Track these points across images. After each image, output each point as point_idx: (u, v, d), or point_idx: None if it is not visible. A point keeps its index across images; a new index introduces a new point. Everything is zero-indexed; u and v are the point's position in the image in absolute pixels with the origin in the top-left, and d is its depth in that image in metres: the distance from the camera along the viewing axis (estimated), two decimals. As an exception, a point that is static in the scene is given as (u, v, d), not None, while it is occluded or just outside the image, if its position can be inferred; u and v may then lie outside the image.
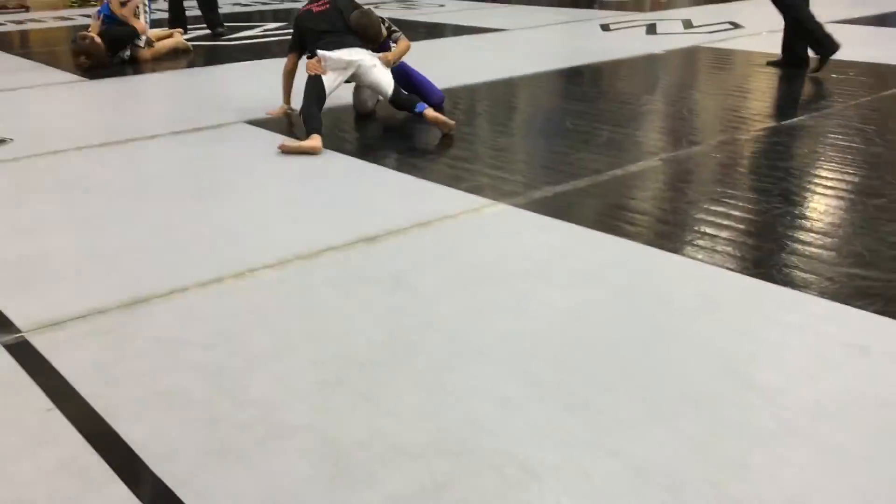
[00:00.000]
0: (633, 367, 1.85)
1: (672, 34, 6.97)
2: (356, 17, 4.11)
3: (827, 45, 5.14)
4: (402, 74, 4.36)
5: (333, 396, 1.75)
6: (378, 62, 4.05)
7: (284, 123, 4.22)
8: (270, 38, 7.42)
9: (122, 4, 5.98)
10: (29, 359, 1.93)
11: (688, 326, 2.04)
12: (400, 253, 2.56)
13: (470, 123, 4.34)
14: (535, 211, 2.87)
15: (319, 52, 4.02)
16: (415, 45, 6.75)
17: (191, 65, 6.12)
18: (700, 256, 2.48)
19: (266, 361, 1.91)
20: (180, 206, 3.02)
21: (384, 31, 4.20)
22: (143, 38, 6.08)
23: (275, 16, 9.28)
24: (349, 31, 4.08)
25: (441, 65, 5.91)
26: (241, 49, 6.84)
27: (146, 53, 6.08)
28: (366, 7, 4.21)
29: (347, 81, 4.09)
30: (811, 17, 5.17)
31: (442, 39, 7.33)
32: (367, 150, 3.83)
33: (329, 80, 3.97)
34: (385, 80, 4.04)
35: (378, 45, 4.18)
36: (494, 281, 2.33)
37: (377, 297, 2.24)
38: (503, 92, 5.11)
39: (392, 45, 4.25)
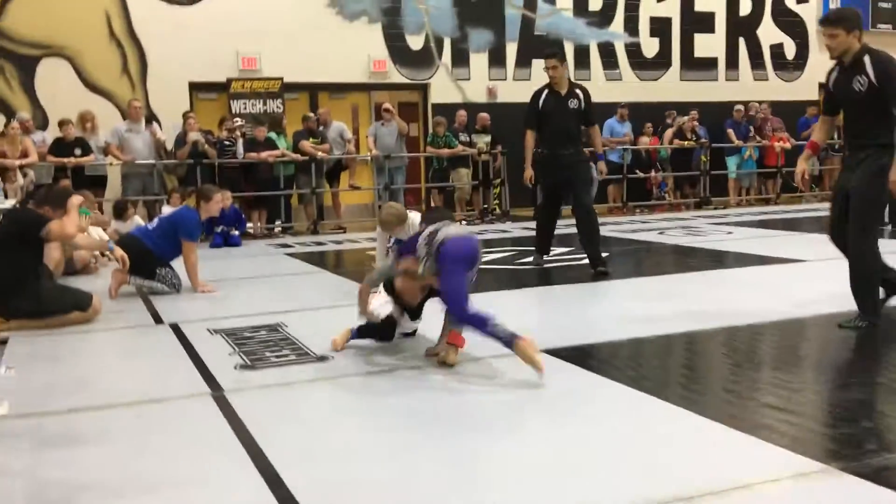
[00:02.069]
0: None
1: None
2: None
3: None
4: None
5: None
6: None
7: (578, 355, 4.21)
8: (558, 265, 7.66)
9: None
10: None
11: None
12: (722, 520, 2.33)
13: (778, 367, 4.06)
14: (880, 483, 2.51)
15: None
16: (697, 275, 6.74)
17: (481, 289, 6.44)
18: None
19: None
20: (477, 440, 3.04)
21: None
22: None
23: (561, 240, 9.66)
24: None
25: (725, 297, 5.72)
26: (533, 273, 7.11)
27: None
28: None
29: None
30: None
31: (728, 270, 7.14)
32: (643, 379, 3.70)
33: None
34: None
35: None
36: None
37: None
38: (801, 332, 4.76)
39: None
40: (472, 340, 4.10)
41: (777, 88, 15.85)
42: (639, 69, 14.89)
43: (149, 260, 6.30)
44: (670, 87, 14.88)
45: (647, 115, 13.70)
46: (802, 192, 13.83)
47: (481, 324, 3.78)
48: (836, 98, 4.72)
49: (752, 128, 14.15)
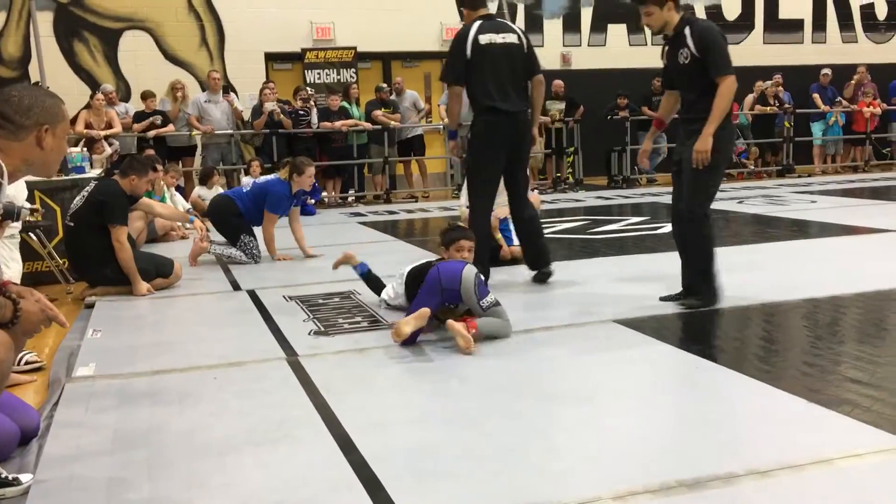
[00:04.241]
0: None
1: None
2: None
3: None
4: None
5: None
6: None
7: (654, 326, 4.15)
8: (633, 234, 7.54)
9: None
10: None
11: None
12: (799, 496, 2.27)
13: (861, 340, 3.91)
14: (967, 462, 2.41)
15: None
16: (778, 245, 6.53)
17: (554, 258, 6.39)
18: None
19: None
20: (551, 409, 3.03)
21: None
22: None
23: (634, 209, 9.51)
24: None
25: (812, 268, 5.54)
26: (607, 243, 7.03)
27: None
28: None
29: None
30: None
31: (811, 240, 6.91)
32: (720, 351, 3.60)
33: None
34: None
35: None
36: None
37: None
38: (887, 305, 4.54)
39: None
40: (541, 311, 4.07)
41: (867, 51, 15.15)
42: (719, 33, 14.41)
43: (236, 222, 6.43)
44: (753, 50, 14.38)
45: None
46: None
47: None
48: (668, 71, 4.51)
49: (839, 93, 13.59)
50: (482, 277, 4.01)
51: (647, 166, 4.79)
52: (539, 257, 5.26)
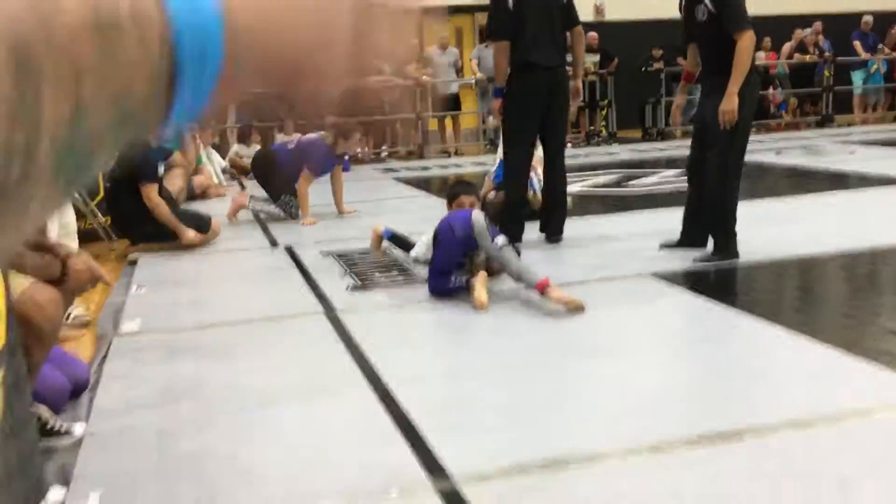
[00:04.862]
0: None
1: None
2: None
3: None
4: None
5: None
6: None
7: (690, 279, 4.14)
8: (668, 186, 7.48)
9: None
10: (462, 511, 2.02)
11: None
12: (836, 447, 2.28)
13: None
14: None
15: None
16: (816, 197, 6.44)
17: (588, 212, 6.38)
18: None
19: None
20: (587, 362, 3.06)
21: None
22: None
23: (669, 162, 9.40)
24: None
25: (851, 220, 5.47)
26: (642, 197, 6.98)
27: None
28: None
29: None
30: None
31: (850, 191, 6.80)
32: (757, 304, 3.58)
33: None
34: None
35: None
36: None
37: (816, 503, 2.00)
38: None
39: None
40: (576, 265, 4.09)
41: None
42: (758, -21, 14.05)
43: (279, 180, 6.44)
44: (792, -3, 14.01)
45: (765, 29, 12.96)
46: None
47: (445, 283, 3.93)
48: (688, 25, 4.41)
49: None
50: (489, 219, 4.02)
51: (678, 123, 4.75)
52: (552, 226, 5.19)
